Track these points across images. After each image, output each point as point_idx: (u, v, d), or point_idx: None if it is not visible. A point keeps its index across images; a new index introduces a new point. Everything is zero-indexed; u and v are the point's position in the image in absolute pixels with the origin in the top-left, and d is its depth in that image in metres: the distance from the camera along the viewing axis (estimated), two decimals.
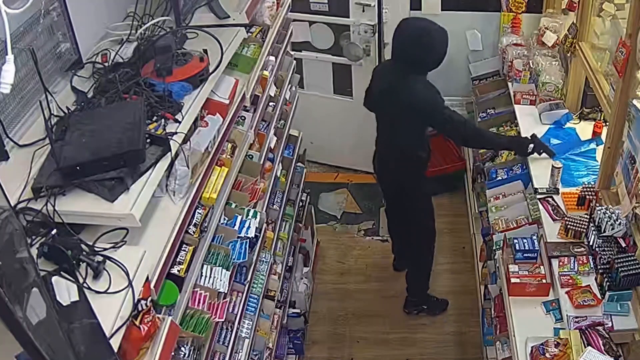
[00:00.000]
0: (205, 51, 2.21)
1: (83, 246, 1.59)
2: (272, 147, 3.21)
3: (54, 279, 1.46)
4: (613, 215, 2.68)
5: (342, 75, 4.96)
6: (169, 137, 1.87)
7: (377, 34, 4.65)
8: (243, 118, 2.75)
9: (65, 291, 1.44)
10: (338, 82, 5.02)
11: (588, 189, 3.04)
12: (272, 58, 3.15)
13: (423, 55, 3.25)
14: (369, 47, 4.69)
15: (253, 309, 2.82)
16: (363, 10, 4.56)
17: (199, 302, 2.15)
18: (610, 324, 2.48)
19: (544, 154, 3.36)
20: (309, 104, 4.79)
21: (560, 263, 2.77)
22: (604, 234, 2.71)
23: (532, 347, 2.51)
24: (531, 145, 3.33)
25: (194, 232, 2.11)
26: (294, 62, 3.84)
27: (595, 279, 2.67)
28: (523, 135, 3.58)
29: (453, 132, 3.49)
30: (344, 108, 5.06)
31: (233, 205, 2.55)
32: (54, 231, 1.58)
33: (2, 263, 1.06)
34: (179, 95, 2.04)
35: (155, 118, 1.93)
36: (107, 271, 1.58)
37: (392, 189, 3.82)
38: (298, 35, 4.63)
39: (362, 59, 4.75)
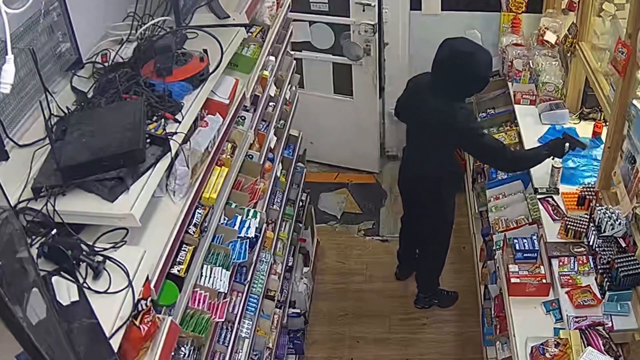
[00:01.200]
0: (205, 51, 2.21)
1: (83, 246, 1.59)
2: (272, 147, 3.21)
3: (54, 279, 1.46)
4: (613, 215, 2.68)
5: (342, 75, 4.96)
6: (169, 137, 1.87)
7: (377, 34, 4.65)
8: (243, 118, 2.75)
9: (65, 291, 1.44)
10: (338, 81, 5.02)
11: (588, 189, 3.04)
12: (272, 58, 3.15)
13: (465, 81, 3.18)
14: (369, 46, 4.69)
15: (253, 309, 2.82)
16: (363, 10, 4.56)
17: (199, 302, 2.15)
18: (610, 324, 2.48)
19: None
20: (309, 104, 4.79)
21: (560, 263, 2.77)
22: (604, 234, 2.71)
23: (532, 347, 2.51)
24: (567, 145, 3.18)
25: (194, 232, 2.11)
26: (294, 62, 3.84)
27: (595, 279, 2.67)
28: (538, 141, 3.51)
29: (491, 159, 3.46)
30: (344, 107, 5.06)
31: (233, 205, 2.55)
32: (54, 231, 1.57)
33: (2, 263, 1.06)
34: (179, 95, 2.04)
35: (155, 118, 1.93)
36: (107, 271, 1.58)
37: (417, 198, 3.77)
38: (298, 35, 4.63)
39: (363, 59, 4.75)
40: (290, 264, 3.69)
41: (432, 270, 4.07)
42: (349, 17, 4.63)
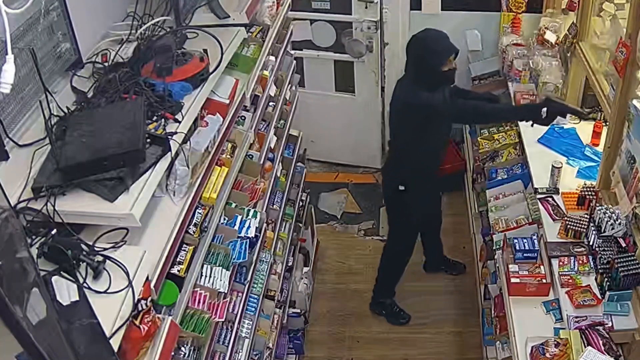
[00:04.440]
0: (205, 51, 2.21)
1: (83, 246, 1.59)
2: (272, 147, 3.21)
3: (54, 279, 1.46)
4: (613, 215, 2.68)
5: (343, 73, 4.98)
6: (169, 137, 1.87)
7: (379, 30, 4.66)
8: (243, 118, 2.75)
9: (65, 291, 1.44)
10: (339, 79, 5.03)
11: (588, 189, 3.04)
12: (272, 58, 3.15)
13: (417, 66, 3.26)
14: (371, 43, 4.72)
15: (253, 309, 2.82)
16: (366, 7, 4.59)
17: (199, 302, 2.15)
18: (610, 324, 2.48)
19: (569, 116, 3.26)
20: (310, 103, 4.79)
21: (560, 263, 2.77)
22: (604, 234, 2.71)
23: (532, 347, 2.51)
24: (544, 110, 3.03)
25: (194, 232, 2.11)
26: (294, 62, 3.84)
27: (595, 279, 2.67)
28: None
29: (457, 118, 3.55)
30: (346, 105, 5.07)
31: (233, 205, 2.55)
32: (54, 231, 1.58)
33: (2, 263, 1.06)
34: (179, 95, 2.04)
35: (155, 118, 1.93)
36: (107, 271, 1.58)
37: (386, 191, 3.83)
38: (299, 34, 4.65)
39: (365, 56, 4.76)
40: (290, 264, 3.69)
41: (384, 277, 4.05)
42: (351, 14, 4.65)
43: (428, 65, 3.21)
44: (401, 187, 3.54)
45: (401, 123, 3.45)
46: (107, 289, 1.54)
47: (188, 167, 1.98)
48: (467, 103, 3.40)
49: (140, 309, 1.58)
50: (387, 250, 4.01)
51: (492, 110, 3.43)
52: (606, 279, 2.58)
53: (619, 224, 2.66)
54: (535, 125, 3.16)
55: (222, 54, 2.22)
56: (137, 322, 1.57)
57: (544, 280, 2.81)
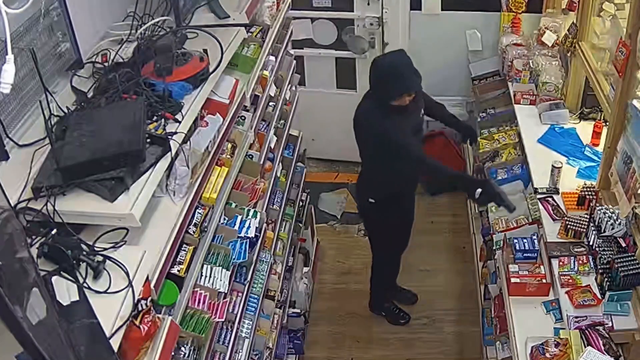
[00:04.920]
0: (205, 51, 2.21)
1: (83, 246, 1.59)
2: (272, 147, 3.21)
3: (54, 279, 1.46)
4: (613, 215, 2.68)
5: (344, 70, 4.99)
6: (169, 137, 1.87)
7: (381, 27, 4.68)
8: (243, 118, 2.75)
9: (65, 291, 1.44)
10: (340, 77, 5.04)
11: (588, 189, 3.04)
12: (272, 58, 3.15)
13: (374, 85, 3.13)
14: (373, 39, 4.74)
15: (253, 309, 2.82)
16: (368, 4, 4.60)
17: (199, 302, 2.15)
18: (610, 324, 2.48)
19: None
20: (311, 101, 4.79)
21: (560, 263, 2.77)
22: (604, 234, 2.71)
23: (532, 347, 2.51)
24: (479, 190, 2.92)
25: (194, 232, 2.11)
26: (295, 61, 3.84)
27: (595, 279, 2.67)
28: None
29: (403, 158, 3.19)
30: (348, 101, 5.01)
31: (233, 205, 2.55)
32: (54, 231, 1.57)
33: (2, 263, 1.06)
34: (179, 95, 2.04)
35: (155, 118, 1.93)
36: (107, 271, 1.58)
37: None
38: (300, 32, 4.66)
39: (367, 52, 4.78)
40: (290, 264, 3.70)
41: (376, 290, 4.04)
42: (353, 11, 4.67)
43: (379, 95, 3.12)
44: (371, 200, 3.47)
45: (364, 145, 3.32)
46: (107, 289, 1.54)
47: (188, 167, 1.98)
48: (412, 149, 3.12)
49: (140, 309, 1.58)
50: (372, 264, 3.96)
51: (434, 168, 3.18)
52: (606, 279, 2.58)
53: (619, 224, 2.66)
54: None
55: (222, 54, 2.22)
56: (137, 322, 1.57)
57: (544, 280, 2.81)
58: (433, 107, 3.47)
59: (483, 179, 3.16)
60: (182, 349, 2.02)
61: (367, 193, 3.52)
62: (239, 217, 2.52)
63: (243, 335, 2.71)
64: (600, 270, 2.64)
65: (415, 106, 3.19)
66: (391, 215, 3.51)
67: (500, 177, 3.73)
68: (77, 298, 1.44)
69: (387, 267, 3.95)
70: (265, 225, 2.87)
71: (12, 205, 1.55)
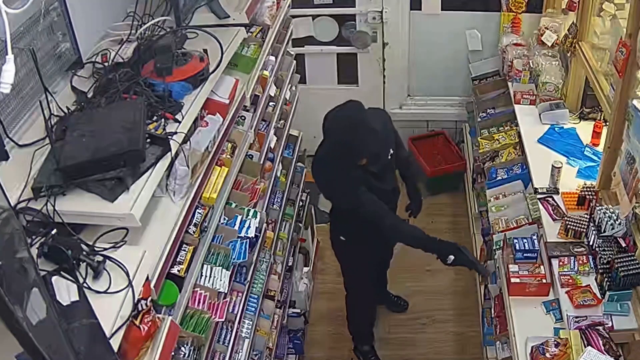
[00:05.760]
0: (205, 51, 2.21)
1: (83, 246, 1.59)
2: (272, 147, 3.21)
3: (54, 279, 1.46)
4: (613, 215, 2.68)
5: (345, 65, 5.00)
6: (169, 137, 1.87)
7: (382, 22, 4.71)
8: (243, 118, 2.75)
9: (65, 291, 1.44)
10: (342, 72, 5.05)
11: (588, 189, 3.04)
12: (272, 58, 3.15)
13: (329, 143, 2.93)
14: (375, 33, 4.76)
15: (253, 309, 2.82)
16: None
17: (199, 302, 2.15)
18: (610, 324, 2.48)
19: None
20: (312, 99, 4.77)
21: (560, 263, 2.77)
22: (604, 234, 2.70)
23: (532, 347, 2.51)
24: (451, 257, 2.83)
25: (194, 232, 2.11)
26: (294, 61, 3.84)
27: (595, 279, 2.67)
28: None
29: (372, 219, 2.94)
30: (350, 96, 4.99)
31: (233, 205, 2.55)
32: (54, 231, 1.58)
33: (2, 263, 1.06)
34: (179, 95, 2.04)
35: (155, 118, 1.94)
36: (107, 271, 1.58)
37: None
38: (301, 31, 4.67)
39: (370, 46, 4.80)
40: (290, 264, 3.69)
41: (353, 325, 3.80)
42: (354, 7, 4.69)
43: (335, 155, 2.88)
44: (342, 238, 3.29)
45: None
46: (107, 289, 1.54)
47: (188, 167, 1.98)
48: (369, 206, 2.88)
49: (140, 309, 1.58)
50: (346, 297, 3.73)
51: (397, 230, 2.98)
52: (606, 279, 2.58)
53: (619, 224, 2.66)
54: None
55: (222, 54, 2.22)
56: (137, 322, 1.57)
57: (544, 280, 2.81)
58: (402, 164, 3.27)
59: (454, 244, 2.90)
60: (182, 349, 2.02)
61: (338, 229, 3.32)
62: (239, 217, 2.52)
63: (243, 335, 2.71)
64: (600, 270, 2.64)
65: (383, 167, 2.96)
66: (362, 255, 3.29)
67: (500, 177, 3.73)
68: (77, 298, 1.44)
69: (358, 311, 3.72)
70: (265, 225, 2.87)
71: (12, 205, 1.55)
